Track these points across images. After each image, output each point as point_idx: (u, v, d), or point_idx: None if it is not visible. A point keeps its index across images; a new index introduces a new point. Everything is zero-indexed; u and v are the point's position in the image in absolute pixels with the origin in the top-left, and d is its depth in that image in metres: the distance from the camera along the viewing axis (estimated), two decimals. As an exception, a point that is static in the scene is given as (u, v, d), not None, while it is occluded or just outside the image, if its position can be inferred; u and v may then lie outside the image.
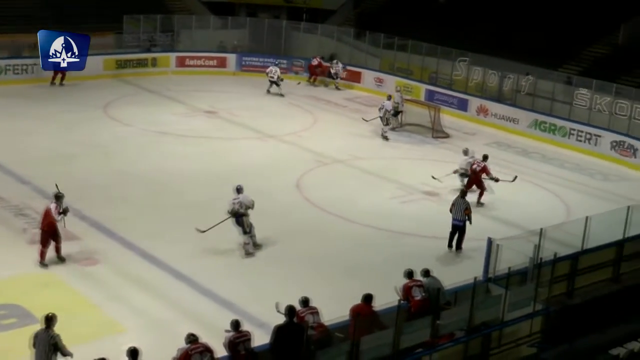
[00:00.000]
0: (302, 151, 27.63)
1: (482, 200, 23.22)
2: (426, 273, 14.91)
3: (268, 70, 36.09)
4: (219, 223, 18.83)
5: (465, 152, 24.62)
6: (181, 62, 39.02)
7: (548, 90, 32.59)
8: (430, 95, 35.49)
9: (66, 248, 18.04)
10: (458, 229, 20.02)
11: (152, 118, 30.36)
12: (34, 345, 12.39)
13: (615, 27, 36.94)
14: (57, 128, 28.21)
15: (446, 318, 13.27)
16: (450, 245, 20.05)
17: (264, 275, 17.80)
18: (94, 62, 33.42)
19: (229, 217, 18.82)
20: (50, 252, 17.58)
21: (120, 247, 18.79)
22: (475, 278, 13.64)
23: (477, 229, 20.24)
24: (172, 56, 38.89)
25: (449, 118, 32.92)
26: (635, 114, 29.48)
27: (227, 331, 12.49)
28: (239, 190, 19.25)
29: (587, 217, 17.75)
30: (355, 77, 38.53)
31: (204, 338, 12.28)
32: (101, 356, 11.30)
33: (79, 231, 19.29)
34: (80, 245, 18.64)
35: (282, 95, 35.35)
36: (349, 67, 38.42)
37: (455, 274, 15.61)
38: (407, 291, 14.41)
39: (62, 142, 26.52)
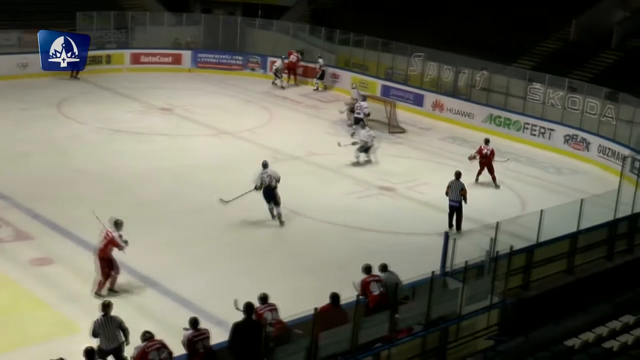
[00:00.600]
0: (258, 148, 27.53)
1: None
2: (384, 268, 14.95)
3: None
4: (243, 194, 20.47)
5: (364, 126, 26.96)
6: (136, 59, 38.65)
7: (502, 85, 32.90)
8: (386, 90, 35.63)
9: (19, 248, 17.77)
10: (455, 210, 20.82)
11: (106, 116, 30.05)
12: (96, 333, 12.95)
13: (567, 22, 37.43)
14: (10, 126, 27.78)
15: (404, 312, 13.31)
16: (450, 225, 20.76)
17: (221, 272, 17.71)
18: (47, 60, 32.97)
19: (253, 190, 20.46)
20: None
21: (74, 246, 18.56)
22: (432, 272, 13.70)
23: (433, 224, 20.41)
24: (127, 53, 38.52)
25: (404, 113, 33.09)
26: (587, 108, 29.91)
27: (185, 329, 12.41)
28: (265, 165, 21.02)
29: (541, 211, 17.95)
30: (311, 73, 38.51)
31: (162, 337, 12.19)
32: (57, 357, 11.15)
33: (32, 230, 19.05)
34: (34, 244, 18.40)
35: (282, 87, 36.68)
36: (302, 64, 38.49)
37: (413, 269, 15.63)
38: (365, 286, 14.43)
39: (15, 141, 26.12)
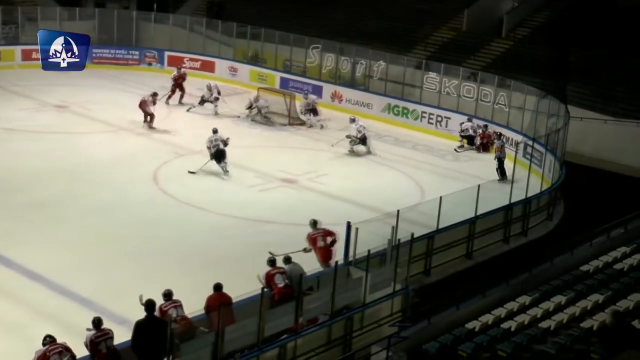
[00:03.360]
0: (157, 143, 27.21)
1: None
2: (287, 260, 15.03)
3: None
4: (206, 163, 23.84)
5: (353, 120, 27.79)
6: (27, 56, 37.42)
7: (399, 75, 33.39)
8: (284, 82, 35.68)
9: None
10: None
11: (-2, 114, 29.15)
12: None
13: (459, 12, 38.29)
14: None
15: (309, 303, 13.42)
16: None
17: (122, 270, 17.42)
18: None
19: (211, 157, 23.79)
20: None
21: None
22: (336, 262, 13.85)
23: (335, 214, 20.56)
24: (17, 49, 37.35)
25: (304, 105, 33.17)
26: (481, 95, 30.66)
27: (88, 330, 12.20)
28: (215, 131, 24.37)
29: (440, 197, 18.37)
30: (208, 67, 38.21)
31: (63, 339, 11.96)
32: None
33: None
34: None
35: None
36: (200, 57, 38.13)
37: (316, 260, 15.81)
38: (269, 279, 14.49)
39: None
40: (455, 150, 28.20)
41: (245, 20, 38.99)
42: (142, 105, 28.69)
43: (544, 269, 17.86)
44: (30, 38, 38.07)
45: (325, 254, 16.38)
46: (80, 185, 22.48)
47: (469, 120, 29.55)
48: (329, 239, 16.62)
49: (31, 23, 38.60)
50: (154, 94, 29.12)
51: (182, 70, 34.14)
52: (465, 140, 29.07)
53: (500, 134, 27.89)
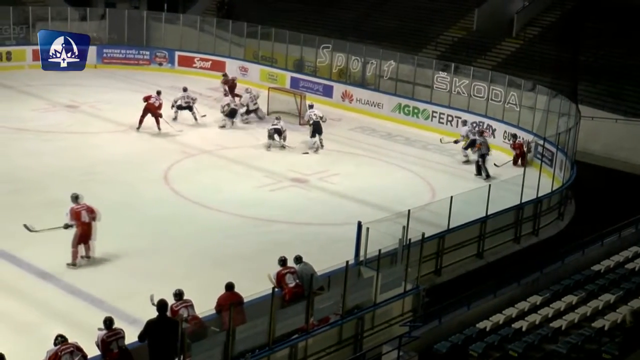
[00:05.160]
0: (167, 143, 27.26)
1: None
2: (298, 260, 15.03)
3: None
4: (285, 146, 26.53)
5: (464, 123, 28.12)
6: (38, 56, 37.23)
7: (409, 75, 33.33)
8: (295, 82, 35.68)
9: None
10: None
11: (9, 114, 29.22)
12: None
13: (470, 11, 38.24)
14: None
15: (320, 303, 13.41)
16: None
17: (133, 270, 17.45)
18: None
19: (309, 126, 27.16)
20: None
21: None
22: (347, 262, 13.84)
23: (345, 214, 20.58)
24: (28, 49, 37.36)
25: (314, 104, 33.13)
26: (492, 95, 30.58)
27: (100, 329, 12.23)
28: (311, 106, 27.91)
29: (451, 197, 18.34)
30: (219, 67, 38.25)
31: (74, 338, 11.98)
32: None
33: None
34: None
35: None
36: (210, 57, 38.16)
37: (327, 259, 15.79)
38: (280, 279, 14.49)
39: None
40: (494, 165, 26.32)
41: (256, 19, 39.01)
42: (153, 108, 28.27)
43: (555, 269, 17.86)
44: (41, 38, 38.29)
45: (293, 292, 14.44)
46: (91, 184, 22.49)
47: (464, 124, 28.48)
48: None
49: (42, 23, 38.73)
50: (159, 93, 28.95)
51: (231, 76, 34.30)
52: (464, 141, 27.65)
53: (482, 132, 27.29)
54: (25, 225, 17.48)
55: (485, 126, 29.84)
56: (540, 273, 17.36)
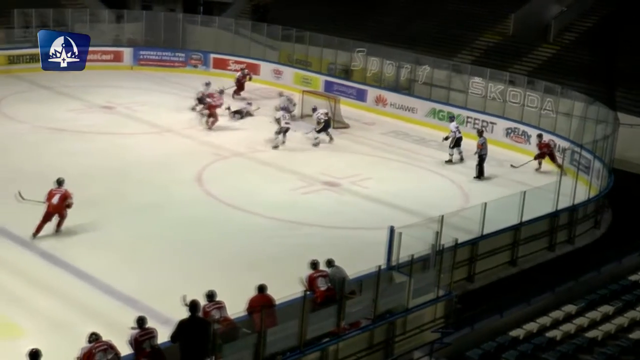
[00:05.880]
0: (201, 145, 27.39)
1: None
2: (330, 263, 15.00)
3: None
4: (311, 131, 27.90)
5: (452, 119, 28.52)
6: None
7: (444, 80, 33.19)
8: (328, 86, 35.68)
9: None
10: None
11: (47, 115, 29.57)
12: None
13: (506, 16, 37.99)
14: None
15: (351, 307, 13.38)
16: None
17: (166, 270, 17.55)
18: (-17, 58, 32.46)
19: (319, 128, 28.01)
20: None
21: (17, 247, 18.20)
22: (379, 266, 13.79)
23: (379, 218, 20.51)
24: (66, 51, 37.82)
25: (347, 108, 33.15)
26: (527, 101, 30.34)
27: (132, 328, 12.29)
28: (314, 110, 28.65)
29: (484, 203, 18.20)
30: (253, 69, 38.38)
31: (108, 336, 12.06)
32: (0, 360, 10.94)
33: (-28, 233, 18.66)
34: (-26, 247, 18.01)
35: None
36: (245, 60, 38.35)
37: (359, 263, 15.74)
38: (312, 282, 14.46)
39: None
40: (511, 166, 26.83)
41: (290, 23, 39.08)
42: (211, 107, 29.15)
43: (590, 278, 17.63)
44: (79, 40, 38.70)
45: (325, 296, 14.34)
46: (126, 185, 22.70)
47: (451, 120, 28.47)
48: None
49: (80, 25, 39.19)
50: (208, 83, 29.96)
51: (246, 70, 34.76)
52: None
53: (482, 131, 27.15)
54: (19, 193, 18.94)
55: (520, 132, 29.65)
56: (576, 282, 17.15)
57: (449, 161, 27.24)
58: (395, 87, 34.68)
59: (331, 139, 28.53)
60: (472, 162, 26.99)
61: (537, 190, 22.39)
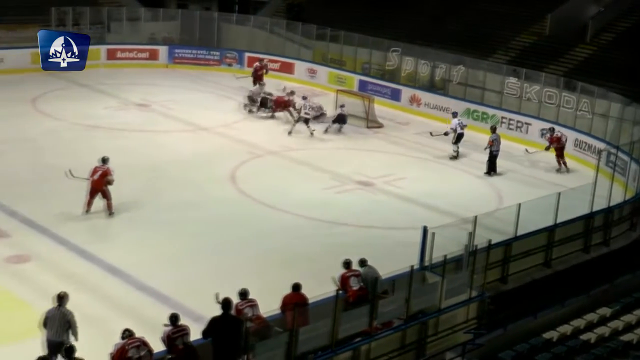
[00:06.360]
0: (234, 143, 27.50)
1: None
2: (363, 262, 14.99)
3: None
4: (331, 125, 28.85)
5: (455, 115, 28.64)
6: (112, 55, 38.41)
7: (479, 80, 33.00)
8: (363, 85, 35.64)
9: (-4, 246, 17.67)
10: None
11: (83, 112, 29.86)
12: (45, 324, 12.70)
13: (542, 16, 37.66)
14: (-16, 123, 27.52)
15: (384, 307, 13.35)
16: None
17: (199, 268, 17.65)
18: (22, 56, 32.82)
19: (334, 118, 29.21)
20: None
21: (52, 243, 18.43)
22: (412, 267, 13.75)
23: (412, 218, 20.45)
24: (103, 49, 38.23)
25: (382, 108, 33.11)
26: (563, 102, 30.07)
27: (165, 325, 12.38)
28: (342, 106, 29.74)
29: (518, 204, 18.07)
30: (288, 69, 38.48)
31: (140, 333, 12.14)
32: (37, 355, 11.07)
33: (8, 228, 18.91)
34: (10, 242, 18.25)
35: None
36: (279, 59, 38.44)
37: (392, 263, 15.70)
38: (344, 281, 14.46)
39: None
40: (526, 150, 28.02)
41: (325, 22, 39.10)
42: (286, 104, 29.93)
43: (626, 280, 17.44)
44: (115, 38, 39.13)
45: (357, 295, 14.48)
46: (160, 182, 22.86)
47: (454, 116, 28.65)
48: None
49: (116, 23, 39.57)
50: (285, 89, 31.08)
51: (265, 61, 35.04)
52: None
53: (495, 128, 27.30)
54: (69, 171, 20.17)
55: (555, 133, 29.37)
56: (611, 284, 16.97)
57: (454, 157, 27.45)
58: (430, 87, 34.55)
59: (311, 133, 28.58)
60: (509, 164, 26.90)
61: (572, 191, 22.18)
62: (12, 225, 19.09)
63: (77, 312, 15.02)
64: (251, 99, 31.36)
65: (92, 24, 38.62)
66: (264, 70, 34.65)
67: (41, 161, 24.06)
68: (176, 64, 39.31)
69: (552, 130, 27.70)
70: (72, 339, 12.61)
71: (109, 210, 20.02)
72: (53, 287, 16.16)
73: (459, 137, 27.66)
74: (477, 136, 30.53)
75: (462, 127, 27.79)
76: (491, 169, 25.96)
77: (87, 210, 19.90)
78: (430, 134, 28.93)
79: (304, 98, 29.68)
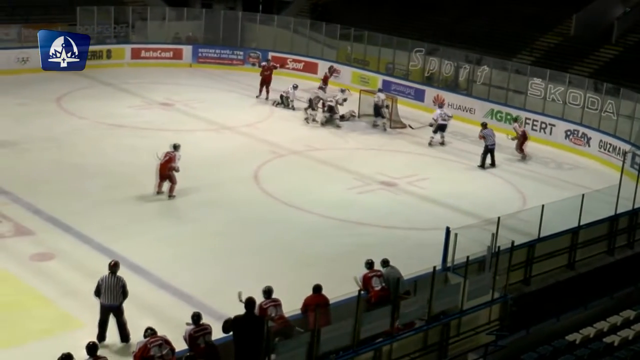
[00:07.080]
0: (257, 142, 27.55)
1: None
2: (385, 263, 14.97)
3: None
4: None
5: (441, 106, 30.02)
6: (136, 54, 38.62)
7: (503, 80, 32.84)
8: (386, 85, 35.53)
9: (20, 243, 17.78)
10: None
11: (107, 111, 30.02)
12: (98, 292, 13.81)
13: (567, 17, 37.42)
14: (10, 121, 27.72)
15: (406, 307, 13.33)
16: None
17: (221, 267, 17.72)
18: (47, 55, 32.96)
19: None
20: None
21: (75, 241, 18.55)
22: (434, 267, 13.71)
23: (435, 218, 20.39)
24: (127, 48, 38.47)
25: (405, 108, 33.01)
26: (587, 103, 29.87)
27: (188, 324, 12.43)
28: (380, 89, 31.36)
29: (542, 206, 17.96)
30: (311, 68, 38.47)
31: (163, 332, 12.21)
32: (60, 352, 11.13)
33: (33, 226, 19.05)
34: (35, 240, 18.39)
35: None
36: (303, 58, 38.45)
37: (414, 264, 15.67)
38: (366, 281, 14.45)
39: (14, 136, 26.06)
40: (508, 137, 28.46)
41: (349, 22, 39.04)
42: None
43: (650, 283, 17.28)
44: (140, 37, 39.36)
45: (379, 296, 14.49)
46: (183, 181, 22.88)
47: (440, 107, 29.91)
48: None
49: (141, 22, 39.78)
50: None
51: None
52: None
53: (486, 124, 27.73)
54: (156, 154, 21.34)
55: (580, 135, 29.22)
56: (635, 287, 16.82)
57: (430, 144, 28.69)
58: (454, 88, 34.43)
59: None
60: (533, 165, 26.81)
61: (597, 193, 22.03)
62: (37, 223, 19.24)
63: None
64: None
65: (116, 23, 38.87)
66: (331, 75, 34.60)
67: (65, 160, 24.23)
68: (200, 64, 39.44)
69: (515, 120, 29.58)
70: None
71: (170, 193, 21.30)
72: (76, 284, 16.38)
73: (440, 127, 28.60)
74: (502, 137, 30.43)
75: (446, 118, 28.74)
76: (486, 162, 26.44)
77: (158, 192, 21.36)
78: (410, 126, 30.16)
79: (295, 87, 31.99)
